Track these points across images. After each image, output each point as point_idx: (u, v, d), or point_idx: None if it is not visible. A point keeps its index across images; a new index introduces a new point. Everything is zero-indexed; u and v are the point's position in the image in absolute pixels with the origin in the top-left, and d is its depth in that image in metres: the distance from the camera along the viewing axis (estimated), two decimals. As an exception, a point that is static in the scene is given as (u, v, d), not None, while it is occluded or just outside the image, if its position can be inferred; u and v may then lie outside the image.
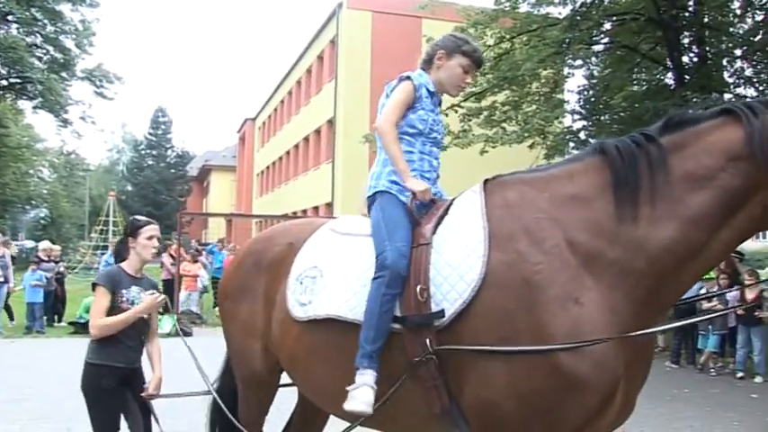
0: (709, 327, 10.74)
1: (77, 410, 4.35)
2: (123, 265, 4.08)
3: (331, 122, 30.84)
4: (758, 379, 10.02)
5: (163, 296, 4.05)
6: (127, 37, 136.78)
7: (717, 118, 2.51)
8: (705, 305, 10.49)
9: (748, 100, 2.73)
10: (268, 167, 45.85)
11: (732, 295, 10.45)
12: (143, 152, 65.52)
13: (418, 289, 2.61)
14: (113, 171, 73.07)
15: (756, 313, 10.23)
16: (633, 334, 2.42)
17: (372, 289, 2.71)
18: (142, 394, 3.91)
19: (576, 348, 2.35)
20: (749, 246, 20.71)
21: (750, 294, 10.24)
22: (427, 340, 2.56)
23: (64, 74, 34.58)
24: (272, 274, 3.29)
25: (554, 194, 2.63)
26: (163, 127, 65.11)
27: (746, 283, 10.24)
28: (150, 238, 4.07)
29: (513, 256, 2.53)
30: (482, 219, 2.65)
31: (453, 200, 2.91)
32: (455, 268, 2.58)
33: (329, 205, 29.83)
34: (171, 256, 18.36)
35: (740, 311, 10.26)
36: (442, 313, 2.56)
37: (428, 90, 3.17)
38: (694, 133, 2.51)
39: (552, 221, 2.55)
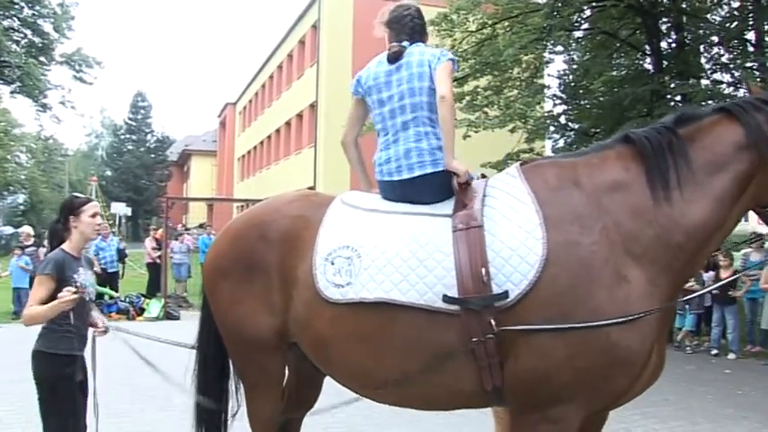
0: (686, 306, 11.10)
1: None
2: (65, 247, 3.81)
3: (313, 107, 30.82)
4: (731, 356, 10.39)
5: (77, 294, 3.59)
6: (106, 20, 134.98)
7: (714, 115, 2.97)
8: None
9: (736, 100, 3.11)
10: (249, 152, 45.71)
11: (708, 276, 10.82)
12: (122, 137, 65.01)
13: (483, 271, 2.68)
14: (92, 156, 72.46)
15: (730, 292, 10.60)
16: (685, 298, 2.83)
17: None
18: (98, 328, 3.78)
19: (627, 324, 2.59)
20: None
21: (724, 274, 10.60)
22: (492, 321, 2.65)
23: (42, 58, 34.19)
24: (288, 249, 3.12)
25: (594, 180, 2.86)
26: (142, 111, 64.60)
27: (721, 264, 10.62)
28: (94, 215, 3.86)
29: (568, 237, 2.71)
30: (533, 203, 2.80)
31: (487, 181, 3.02)
32: (515, 250, 2.69)
33: (311, 189, 29.91)
34: (155, 239, 18.40)
35: (715, 291, 10.65)
36: (505, 294, 2.66)
37: None
38: (701, 127, 2.94)
39: (598, 205, 2.79)
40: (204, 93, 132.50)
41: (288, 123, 35.66)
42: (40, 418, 3.67)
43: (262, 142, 41.61)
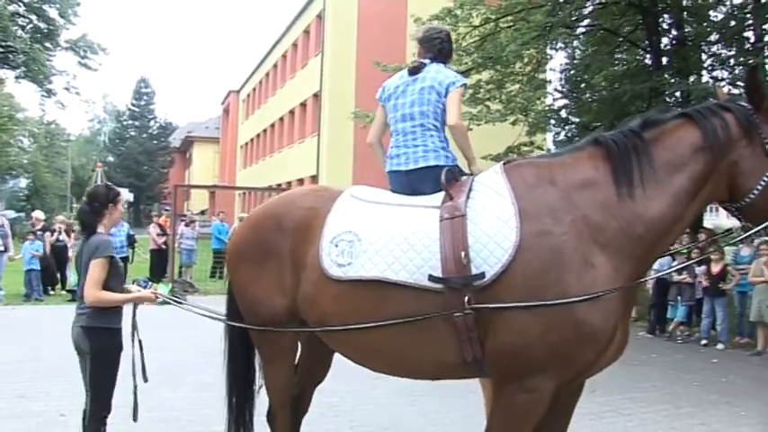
0: (679, 298, 11.48)
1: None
2: (102, 231, 4.19)
3: (317, 96, 31.04)
4: (720, 346, 10.71)
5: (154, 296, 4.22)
6: (111, 6, 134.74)
7: (677, 119, 3.28)
8: (676, 278, 11.35)
9: (698, 106, 3.40)
10: (252, 140, 45.95)
11: (700, 269, 11.17)
12: (125, 123, 65.34)
13: (462, 254, 3.04)
14: (95, 141, 72.68)
15: (720, 285, 10.95)
16: (634, 283, 3.15)
17: None
18: (152, 295, 4.20)
19: (592, 303, 2.95)
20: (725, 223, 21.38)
21: (715, 268, 10.97)
22: (466, 298, 3.00)
23: (48, 44, 34.39)
24: (299, 237, 3.52)
25: (567, 178, 3.21)
26: (145, 98, 64.89)
27: (712, 258, 10.95)
28: (121, 203, 4.32)
29: (541, 228, 3.06)
30: (510, 196, 3.14)
31: (474, 178, 3.41)
32: (491, 237, 3.04)
33: (314, 178, 30.07)
34: (159, 225, 18.66)
35: (705, 284, 11.01)
36: (482, 275, 3.00)
37: None
38: (664, 130, 3.24)
39: (569, 200, 3.13)
40: (208, 80, 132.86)
41: (291, 112, 35.89)
42: (90, 388, 4.07)
43: (265, 130, 41.84)
